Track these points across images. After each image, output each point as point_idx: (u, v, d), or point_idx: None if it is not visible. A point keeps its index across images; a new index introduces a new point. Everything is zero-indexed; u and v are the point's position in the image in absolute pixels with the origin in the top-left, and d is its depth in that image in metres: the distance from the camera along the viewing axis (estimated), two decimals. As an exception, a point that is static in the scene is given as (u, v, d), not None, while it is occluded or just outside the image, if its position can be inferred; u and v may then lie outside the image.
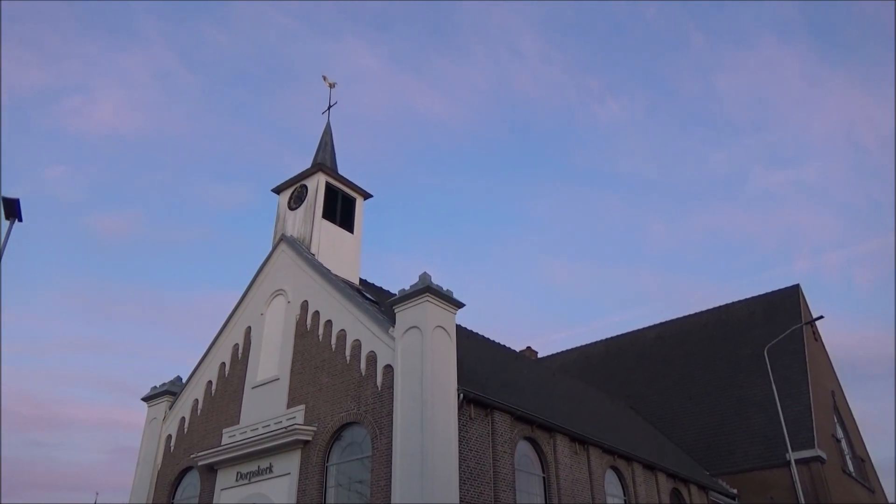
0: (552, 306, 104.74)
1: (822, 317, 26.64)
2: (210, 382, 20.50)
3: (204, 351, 21.17)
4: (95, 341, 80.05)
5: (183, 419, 20.77)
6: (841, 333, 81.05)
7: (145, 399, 22.15)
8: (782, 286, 35.54)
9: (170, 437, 20.91)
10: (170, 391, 21.56)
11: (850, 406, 35.98)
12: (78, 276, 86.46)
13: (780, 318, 33.01)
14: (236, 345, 20.31)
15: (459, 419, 14.79)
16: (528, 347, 39.14)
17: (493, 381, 18.64)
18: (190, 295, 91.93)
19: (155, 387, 22.05)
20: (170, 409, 21.39)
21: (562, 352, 42.65)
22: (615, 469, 20.18)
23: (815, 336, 33.96)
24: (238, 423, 18.75)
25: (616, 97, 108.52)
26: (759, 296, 35.86)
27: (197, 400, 20.64)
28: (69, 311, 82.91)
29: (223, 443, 18.66)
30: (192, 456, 19.24)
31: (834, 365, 36.25)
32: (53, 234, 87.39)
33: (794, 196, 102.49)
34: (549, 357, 42.23)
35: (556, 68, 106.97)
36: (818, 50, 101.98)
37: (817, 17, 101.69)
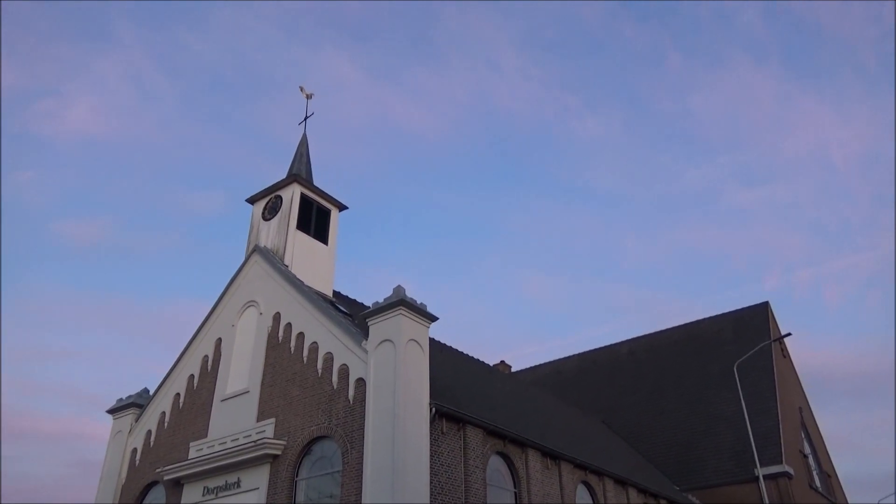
0: (527, 320, 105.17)
1: (789, 334, 27.08)
2: (178, 395, 20.14)
3: (173, 362, 20.83)
4: (60, 351, 78.18)
5: (149, 432, 20.36)
6: (809, 350, 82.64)
7: (111, 411, 21.68)
8: (753, 303, 36.14)
9: (135, 450, 20.47)
10: (136, 403, 21.14)
11: (817, 422, 36.59)
12: (44, 283, 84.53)
13: (750, 334, 33.51)
14: (206, 356, 20.00)
15: (431, 433, 14.70)
16: (502, 361, 39.21)
17: (466, 395, 18.60)
18: (160, 304, 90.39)
19: (121, 399, 21.62)
20: (136, 421, 20.96)
21: (535, 366, 42.76)
22: (586, 484, 20.21)
23: (784, 353, 34.53)
24: (206, 436, 18.42)
25: (593, 114, 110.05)
26: (729, 312, 36.39)
27: (164, 413, 20.25)
28: (33, 319, 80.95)
29: (190, 457, 18.30)
30: (157, 470, 18.84)
31: (801, 381, 36.88)
32: (19, 241, 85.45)
33: (766, 214, 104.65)
34: (522, 371, 42.31)
35: (535, 84, 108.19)
36: (790, 72, 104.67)
37: (790, 41, 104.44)
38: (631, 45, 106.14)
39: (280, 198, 21.30)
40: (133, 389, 21.68)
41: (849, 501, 36.33)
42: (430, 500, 13.96)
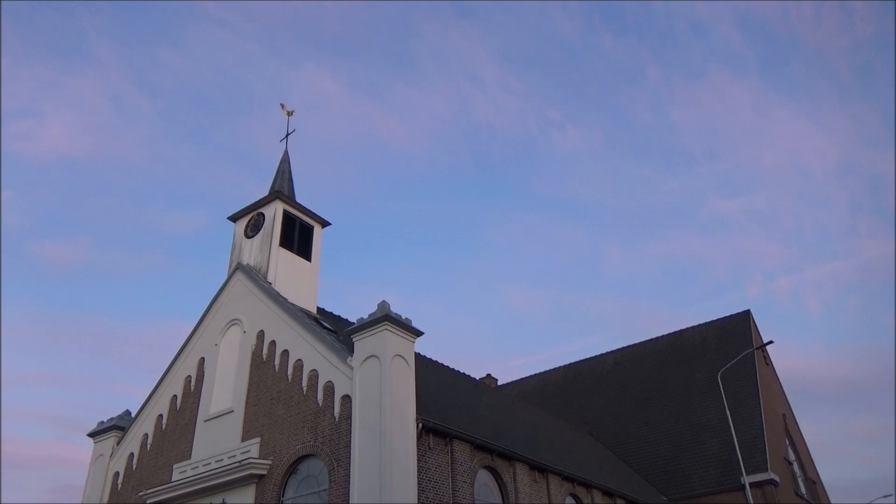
0: (512, 333, 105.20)
1: (771, 342, 27.35)
2: (161, 416, 19.87)
3: (155, 383, 20.56)
4: (38, 374, 76.75)
5: (131, 455, 20.04)
6: (791, 357, 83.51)
7: (92, 435, 21.33)
8: (735, 311, 36.48)
9: (117, 474, 20.12)
10: (118, 426, 20.82)
11: (801, 428, 36.91)
12: (21, 305, 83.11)
13: (732, 343, 33.79)
14: (189, 376, 19.77)
15: (418, 449, 14.64)
16: (488, 375, 39.16)
17: (453, 409, 18.55)
18: (141, 325, 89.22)
19: (102, 422, 21.29)
20: (118, 444, 20.62)
21: (521, 379, 42.73)
22: (574, 496, 20.19)
23: (766, 360, 34.85)
24: (190, 457, 18.17)
25: (575, 126, 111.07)
26: (712, 321, 36.67)
27: (147, 435, 19.96)
28: (10, 342, 79.48)
29: (174, 479, 18.03)
30: (140, 494, 18.51)
31: (784, 388, 37.22)
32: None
33: (746, 223, 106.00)
34: (508, 384, 42.26)
35: (517, 97, 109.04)
36: (766, 83, 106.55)
37: (765, 53, 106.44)
38: (610, 59, 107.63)
39: (262, 215, 21.22)
40: (114, 412, 21.33)
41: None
42: (419, 517, 13.86)
